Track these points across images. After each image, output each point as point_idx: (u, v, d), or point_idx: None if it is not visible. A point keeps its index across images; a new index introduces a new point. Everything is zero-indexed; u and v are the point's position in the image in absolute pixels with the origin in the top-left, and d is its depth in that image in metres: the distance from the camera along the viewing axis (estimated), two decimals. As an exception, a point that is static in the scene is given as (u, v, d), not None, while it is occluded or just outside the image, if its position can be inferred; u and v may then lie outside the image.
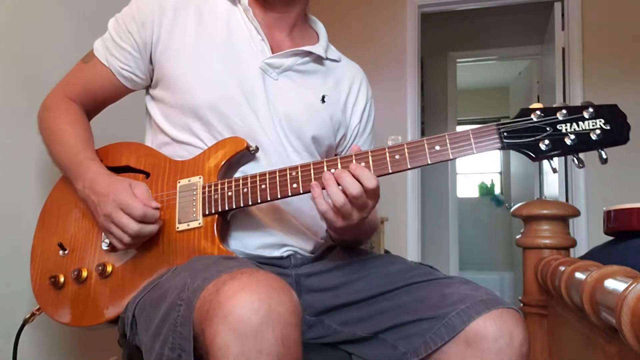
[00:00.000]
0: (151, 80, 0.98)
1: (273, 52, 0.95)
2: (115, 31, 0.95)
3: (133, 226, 0.81)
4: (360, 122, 1.07)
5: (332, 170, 0.77)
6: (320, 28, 1.06)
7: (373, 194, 0.76)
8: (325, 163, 0.79)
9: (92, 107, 1.02)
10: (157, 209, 0.84)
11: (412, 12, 3.17)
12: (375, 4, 3.23)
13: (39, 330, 1.26)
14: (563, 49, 3.01)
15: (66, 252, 0.93)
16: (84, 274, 0.90)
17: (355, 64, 1.11)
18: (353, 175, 0.75)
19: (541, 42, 3.66)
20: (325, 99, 0.99)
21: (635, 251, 0.95)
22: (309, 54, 0.98)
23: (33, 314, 0.99)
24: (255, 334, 0.59)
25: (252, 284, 0.62)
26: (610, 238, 1.16)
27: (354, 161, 0.78)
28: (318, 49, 0.99)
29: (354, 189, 0.74)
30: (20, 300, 1.18)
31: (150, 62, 0.95)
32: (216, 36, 0.94)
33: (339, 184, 0.75)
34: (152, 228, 0.84)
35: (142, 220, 0.82)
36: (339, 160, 0.79)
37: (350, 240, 0.97)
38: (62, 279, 0.92)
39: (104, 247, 0.90)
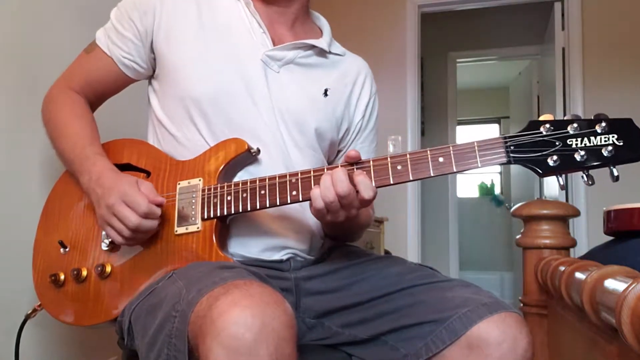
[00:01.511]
0: (153, 71, 0.98)
1: (275, 45, 0.94)
2: (117, 20, 0.95)
3: (134, 219, 0.80)
4: (363, 117, 1.05)
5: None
6: (324, 23, 1.06)
7: (366, 203, 0.76)
8: (326, 170, 0.79)
9: (95, 97, 1.02)
10: (160, 205, 0.84)
11: (412, 12, 3.17)
12: (375, 4, 3.23)
13: (40, 328, 1.26)
14: (563, 49, 3.01)
15: (67, 249, 0.93)
16: (84, 273, 0.90)
17: (361, 58, 1.10)
18: (352, 182, 0.74)
19: (541, 42, 3.66)
20: (327, 93, 0.98)
21: (635, 251, 0.95)
22: (311, 47, 0.98)
23: (35, 310, 0.99)
24: (249, 351, 0.58)
25: (245, 299, 0.61)
26: (610, 238, 1.16)
27: (355, 170, 0.77)
28: (321, 42, 0.98)
29: (342, 187, 0.73)
30: (22, 298, 1.18)
31: (152, 50, 0.95)
32: (217, 28, 0.93)
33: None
34: (151, 224, 0.83)
35: (144, 216, 0.81)
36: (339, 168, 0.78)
37: (340, 234, 0.98)
38: (62, 277, 0.92)
39: (104, 247, 0.90)
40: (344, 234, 1.00)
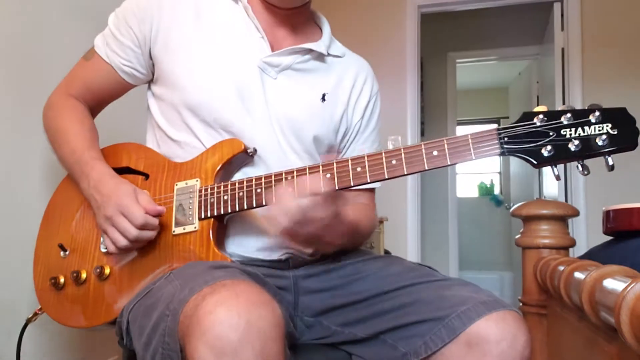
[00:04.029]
0: (153, 75, 0.97)
1: (273, 51, 0.93)
2: (115, 26, 0.95)
3: (132, 232, 0.81)
4: (362, 118, 1.03)
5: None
6: (324, 24, 1.04)
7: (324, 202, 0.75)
8: (321, 167, 0.79)
9: (95, 103, 1.02)
10: (158, 215, 0.84)
11: (412, 12, 3.17)
12: (375, 5, 3.23)
13: (41, 330, 1.26)
14: (563, 49, 3.01)
15: (67, 253, 0.94)
16: (83, 275, 0.90)
17: (361, 58, 1.08)
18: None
19: (541, 42, 3.66)
20: (325, 98, 0.97)
21: (635, 251, 0.95)
22: (309, 51, 0.96)
23: (36, 314, 0.99)
24: (234, 352, 0.58)
25: (231, 299, 0.61)
26: (609, 238, 1.17)
27: (350, 165, 0.77)
28: (319, 46, 0.97)
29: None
30: (23, 300, 1.19)
31: (150, 57, 0.95)
32: (214, 34, 0.93)
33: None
34: (150, 234, 0.83)
35: (141, 228, 0.82)
36: (334, 165, 0.78)
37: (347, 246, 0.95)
38: (62, 280, 0.92)
39: (103, 249, 0.90)
40: (351, 243, 0.98)
